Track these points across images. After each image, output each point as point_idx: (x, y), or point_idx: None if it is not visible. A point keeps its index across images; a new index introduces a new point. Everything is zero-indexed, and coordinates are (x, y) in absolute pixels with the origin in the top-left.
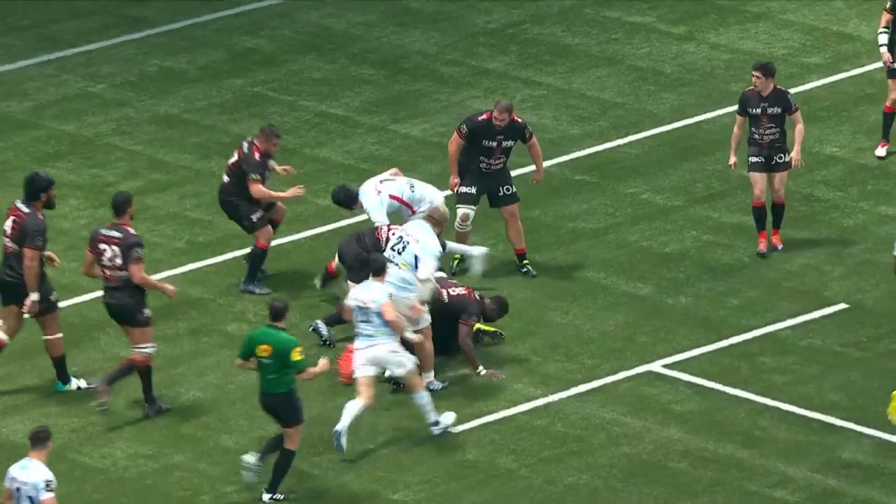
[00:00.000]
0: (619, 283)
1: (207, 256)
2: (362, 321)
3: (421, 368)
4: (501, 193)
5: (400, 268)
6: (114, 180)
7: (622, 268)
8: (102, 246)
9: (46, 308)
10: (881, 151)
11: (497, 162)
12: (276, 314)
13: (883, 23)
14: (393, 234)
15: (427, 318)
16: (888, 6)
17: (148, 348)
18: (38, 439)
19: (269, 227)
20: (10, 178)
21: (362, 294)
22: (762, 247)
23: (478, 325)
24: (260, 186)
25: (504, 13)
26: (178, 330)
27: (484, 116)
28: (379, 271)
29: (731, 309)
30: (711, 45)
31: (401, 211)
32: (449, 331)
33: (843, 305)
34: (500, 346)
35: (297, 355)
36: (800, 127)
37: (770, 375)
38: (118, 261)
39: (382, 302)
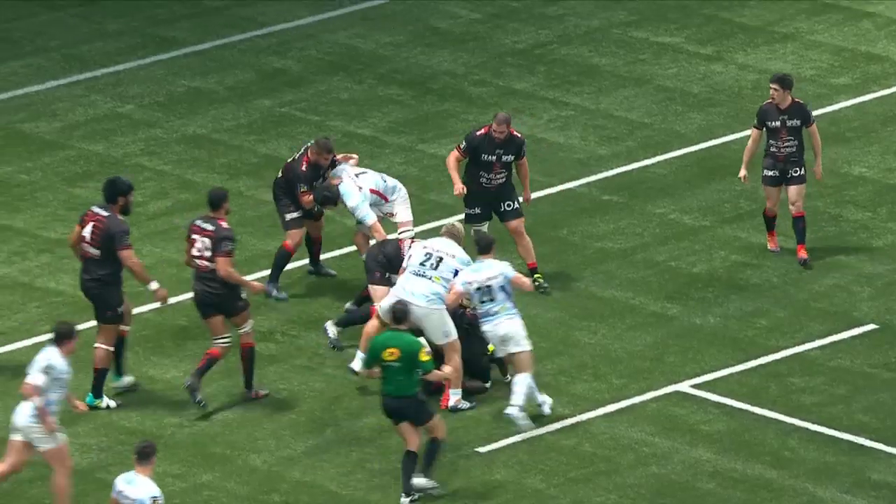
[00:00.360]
0: (648, 304)
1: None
2: (484, 301)
3: (448, 384)
4: (503, 209)
5: (433, 281)
6: (142, 200)
7: (650, 288)
8: (195, 237)
9: (111, 318)
10: None
11: (498, 177)
12: (400, 317)
13: None
14: (420, 248)
15: (454, 332)
16: None
17: (248, 327)
18: (144, 454)
19: (301, 230)
20: (39, 199)
21: (480, 274)
22: (773, 245)
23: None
24: (309, 198)
25: (531, 34)
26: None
27: (482, 131)
28: (487, 248)
29: (760, 329)
30: (739, 66)
31: (378, 203)
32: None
33: (872, 326)
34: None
35: (424, 356)
36: (818, 139)
37: (799, 396)
38: (208, 253)
39: (514, 274)
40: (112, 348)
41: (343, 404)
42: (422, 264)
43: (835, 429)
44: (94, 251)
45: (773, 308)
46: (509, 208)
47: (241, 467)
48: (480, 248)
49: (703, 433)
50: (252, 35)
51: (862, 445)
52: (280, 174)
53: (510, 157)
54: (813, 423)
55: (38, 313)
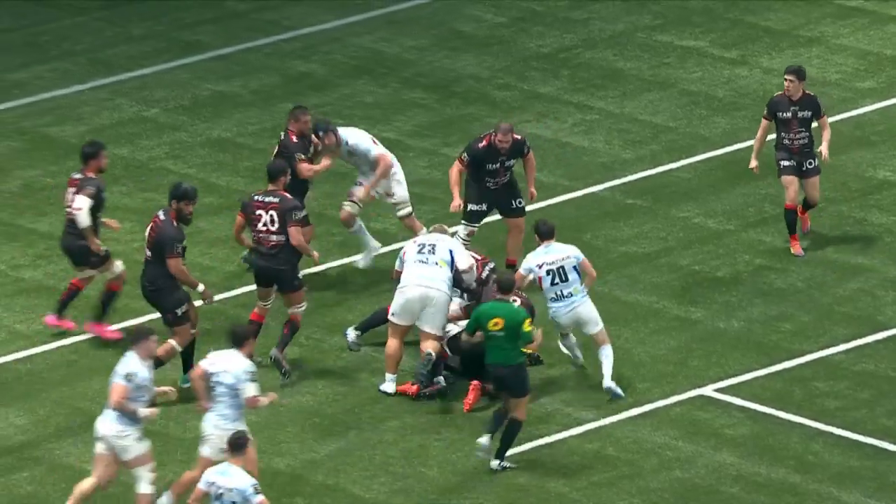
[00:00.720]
0: (671, 307)
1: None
2: (555, 284)
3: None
4: (514, 206)
5: (439, 266)
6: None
7: (674, 292)
8: (259, 212)
9: (171, 321)
10: None
11: (503, 178)
12: (507, 286)
13: None
14: (410, 244)
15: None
16: None
17: (302, 307)
18: (238, 445)
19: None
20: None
21: (550, 256)
22: (797, 250)
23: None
24: (307, 164)
25: (556, 38)
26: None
27: (483, 143)
28: (550, 232)
29: (784, 333)
30: (764, 70)
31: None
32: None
33: None
34: (551, 370)
35: (527, 326)
36: (828, 128)
37: (823, 400)
38: (275, 226)
39: (582, 257)
40: (181, 348)
41: (366, 408)
42: (419, 253)
43: (859, 433)
44: (148, 253)
45: (797, 312)
46: (519, 205)
47: (265, 470)
48: (543, 233)
49: (727, 437)
50: (277, 39)
51: (886, 450)
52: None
53: (513, 161)
54: (837, 427)
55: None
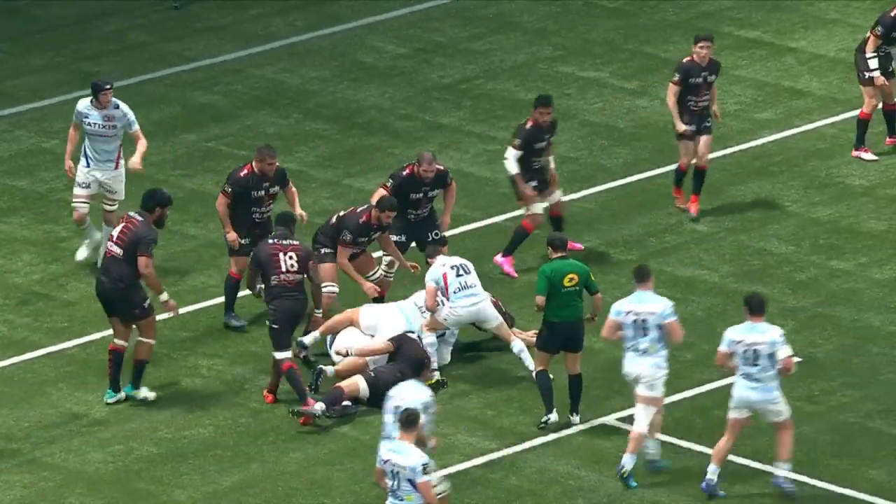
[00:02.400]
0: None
1: (162, 311)
2: (635, 334)
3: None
4: (431, 238)
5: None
6: (67, 235)
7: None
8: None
9: (140, 314)
10: (869, 155)
11: (424, 211)
12: (563, 245)
13: (871, 47)
14: (446, 269)
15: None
16: (879, 31)
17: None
18: (410, 421)
19: (243, 257)
20: None
21: (639, 306)
22: (681, 202)
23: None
24: (222, 199)
25: (458, 68)
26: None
27: (406, 172)
28: (646, 276)
29: (686, 363)
30: (664, 100)
31: None
32: None
33: (796, 359)
34: (453, 400)
35: (593, 276)
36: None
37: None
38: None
39: (673, 318)
40: (154, 341)
41: (268, 439)
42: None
43: (759, 462)
44: (118, 250)
45: (698, 341)
46: (436, 237)
47: (167, 503)
48: (641, 277)
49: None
50: (178, 70)
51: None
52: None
53: (436, 192)
54: (738, 456)
55: None
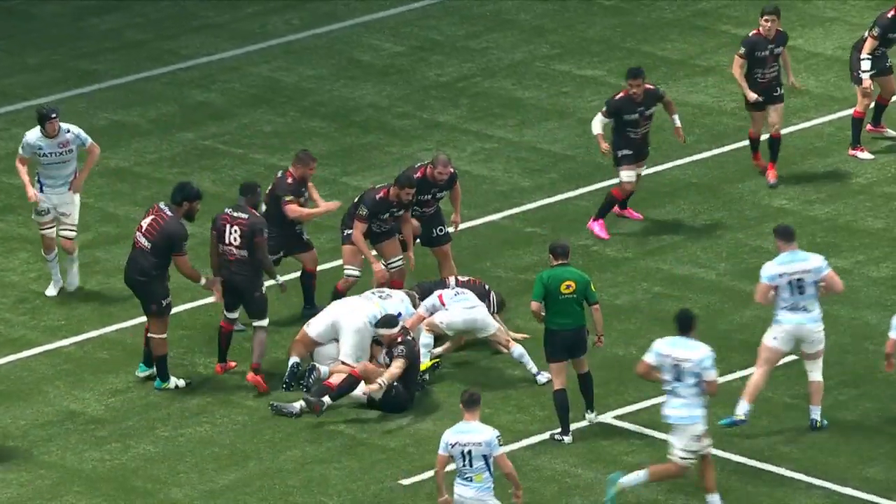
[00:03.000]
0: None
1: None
2: (791, 294)
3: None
4: (435, 235)
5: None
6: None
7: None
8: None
9: (157, 311)
10: (865, 155)
11: (431, 209)
12: (565, 252)
13: (868, 49)
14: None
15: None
16: (875, 32)
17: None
18: (473, 401)
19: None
20: None
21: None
22: (761, 164)
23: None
24: (294, 206)
25: (455, 66)
26: (129, 382)
27: (419, 174)
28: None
29: None
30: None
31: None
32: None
33: (793, 357)
34: (451, 398)
35: (593, 287)
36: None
37: (722, 427)
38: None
39: (828, 270)
40: (165, 335)
41: (265, 437)
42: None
43: (757, 460)
44: (146, 243)
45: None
46: (441, 233)
47: (163, 501)
48: (786, 237)
49: (627, 464)
50: (175, 68)
51: (783, 476)
52: (264, 207)
53: (444, 194)
54: (735, 454)
55: None
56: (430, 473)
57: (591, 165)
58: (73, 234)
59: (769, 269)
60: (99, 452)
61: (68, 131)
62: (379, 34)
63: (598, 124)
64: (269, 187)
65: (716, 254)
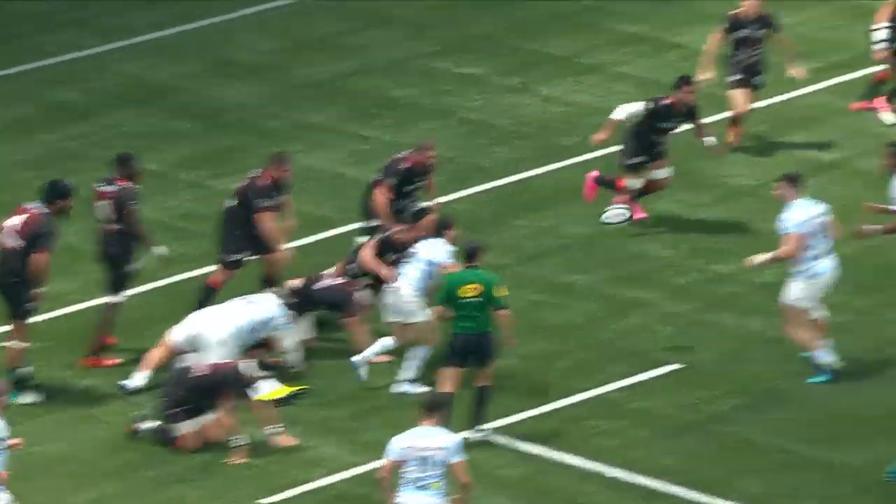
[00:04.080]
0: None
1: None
2: (817, 242)
3: None
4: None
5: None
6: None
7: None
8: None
9: (23, 313)
10: (891, 117)
11: (413, 203)
12: (473, 254)
13: (888, 15)
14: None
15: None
16: None
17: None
18: (436, 405)
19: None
20: None
21: (810, 210)
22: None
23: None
24: (269, 218)
25: (330, 65)
26: None
27: (407, 164)
28: (798, 180)
29: (560, 371)
30: (544, 98)
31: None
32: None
33: (675, 366)
34: (318, 411)
35: (502, 291)
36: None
37: (599, 439)
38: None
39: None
40: (26, 344)
41: (123, 455)
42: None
43: (635, 472)
44: (17, 243)
45: (574, 349)
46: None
47: None
48: (794, 180)
49: (501, 478)
50: (34, 66)
51: (658, 490)
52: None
53: (425, 181)
54: (613, 466)
55: None
56: (294, 491)
57: (472, 167)
58: None
59: (795, 216)
60: None
61: None
62: (252, 31)
63: (623, 112)
64: (241, 185)
65: (597, 260)
